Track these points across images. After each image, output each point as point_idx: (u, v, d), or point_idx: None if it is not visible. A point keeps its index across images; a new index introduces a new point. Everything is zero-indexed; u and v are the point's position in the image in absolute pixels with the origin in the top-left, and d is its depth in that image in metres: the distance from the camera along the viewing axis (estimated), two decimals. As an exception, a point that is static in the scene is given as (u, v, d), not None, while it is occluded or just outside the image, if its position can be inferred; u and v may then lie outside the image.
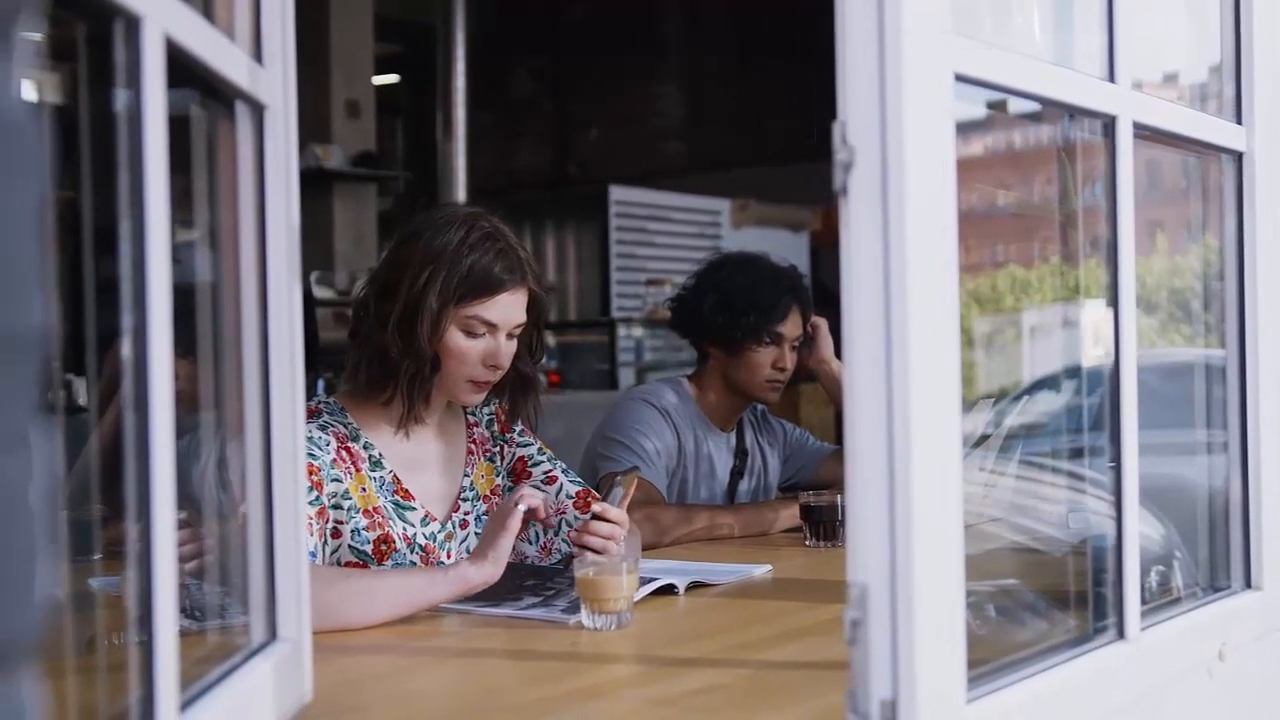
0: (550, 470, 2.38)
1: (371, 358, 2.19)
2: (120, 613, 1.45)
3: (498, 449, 2.40)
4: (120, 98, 1.00)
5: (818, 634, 1.86)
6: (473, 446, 2.36)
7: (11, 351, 0.56)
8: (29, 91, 0.59)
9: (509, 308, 2.20)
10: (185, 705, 1.09)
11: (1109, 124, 1.51)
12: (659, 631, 1.92)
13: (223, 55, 1.21)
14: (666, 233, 8.38)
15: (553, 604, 2.00)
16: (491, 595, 2.03)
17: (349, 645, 1.80)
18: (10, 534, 0.56)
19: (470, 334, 2.18)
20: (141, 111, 0.99)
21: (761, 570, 2.35)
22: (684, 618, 2.05)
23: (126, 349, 1.00)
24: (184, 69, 1.10)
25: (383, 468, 2.22)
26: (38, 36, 0.61)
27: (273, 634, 1.36)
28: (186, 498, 1.17)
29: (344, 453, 2.17)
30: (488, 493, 2.36)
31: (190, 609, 1.41)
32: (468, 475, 2.33)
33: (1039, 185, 2.04)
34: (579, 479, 2.40)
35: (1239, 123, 1.80)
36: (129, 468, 1.01)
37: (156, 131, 1.00)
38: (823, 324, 3.11)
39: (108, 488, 1.37)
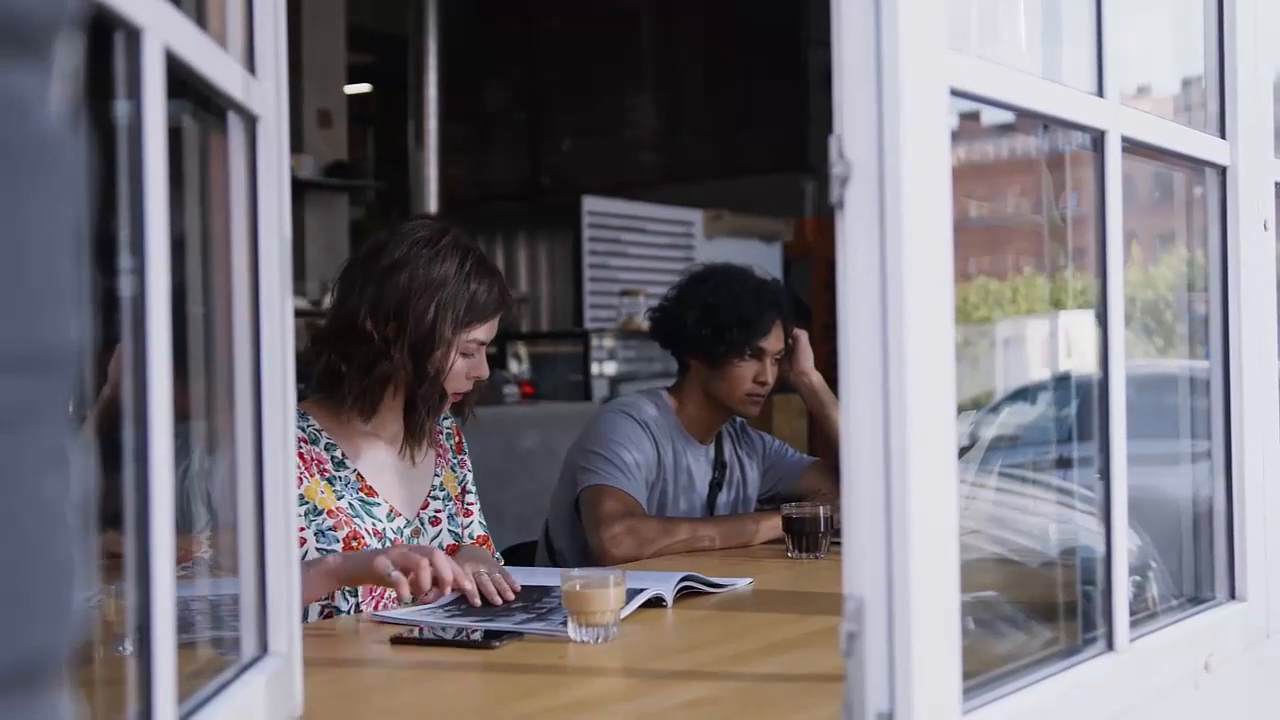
0: (473, 503, 2.51)
1: (378, 382, 2.25)
2: (104, 627, 1.44)
3: (458, 461, 2.50)
4: (119, 108, 1.00)
5: (805, 646, 1.86)
6: (441, 450, 2.46)
7: (50, 368, 0.56)
8: (66, 105, 0.59)
9: (495, 325, 2.34)
10: (180, 721, 1.08)
11: (1098, 138, 1.52)
12: (645, 644, 1.92)
13: (218, 66, 1.20)
14: (640, 243, 8.37)
15: (549, 619, 1.98)
16: (485, 612, 2.02)
17: (339, 660, 1.80)
18: (49, 550, 0.56)
19: (466, 355, 2.30)
20: (142, 123, 0.98)
21: (744, 583, 2.35)
22: (670, 630, 2.05)
23: (125, 360, 0.99)
24: (178, 79, 1.10)
25: (346, 468, 2.28)
26: (77, 53, 0.61)
27: (264, 648, 1.36)
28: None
29: (298, 458, 2.19)
30: (456, 494, 2.46)
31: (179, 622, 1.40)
32: (438, 475, 2.43)
33: (1011, 197, 2.05)
34: (485, 524, 2.51)
35: (1222, 137, 1.82)
36: (127, 483, 1.00)
37: (156, 142, 1.00)
38: (803, 335, 3.12)
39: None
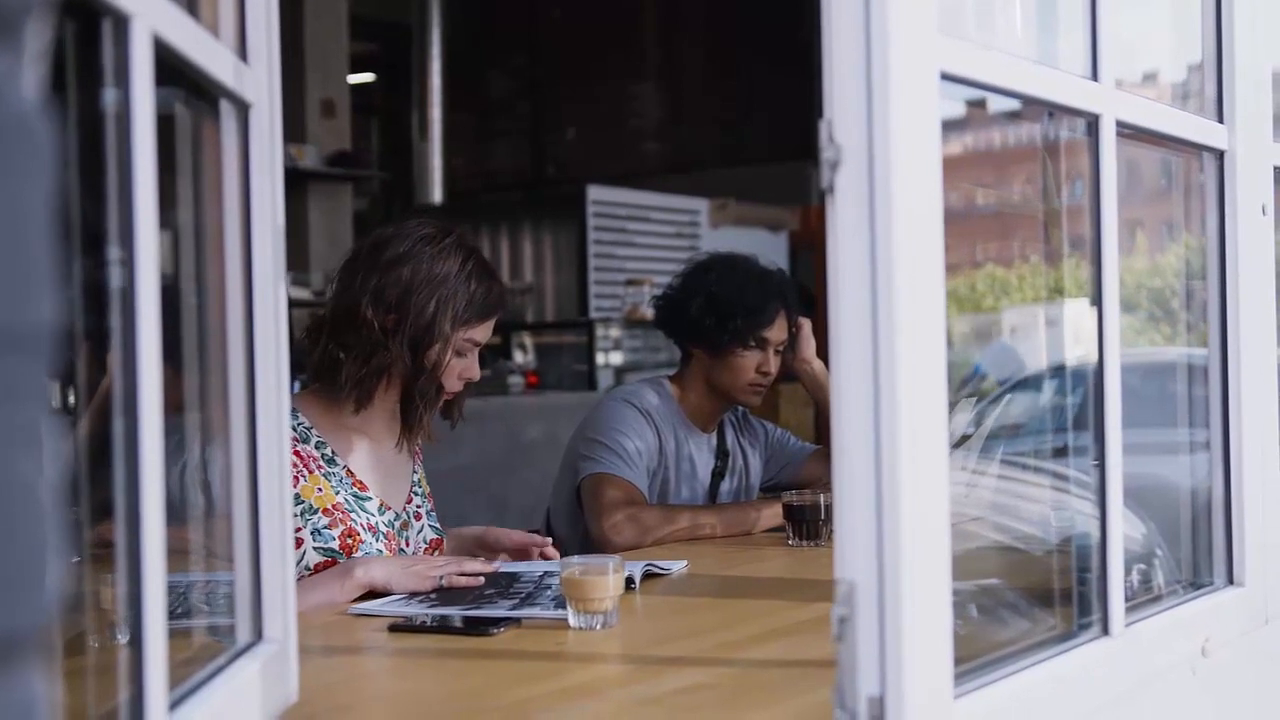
0: (429, 507, 2.50)
1: (374, 373, 2.27)
2: (101, 616, 1.44)
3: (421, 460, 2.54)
4: (108, 96, 1.00)
5: (802, 632, 1.86)
6: (418, 449, 2.50)
7: (22, 348, 0.56)
8: (38, 87, 0.59)
9: (491, 328, 2.37)
10: (173, 706, 1.08)
11: (1092, 122, 1.51)
12: (644, 631, 1.92)
13: (209, 53, 1.20)
14: (645, 233, 8.37)
15: (538, 601, 1.99)
16: (469, 601, 2.02)
17: (334, 646, 1.80)
18: (22, 529, 0.56)
19: (460, 354, 2.32)
20: (130, 110, 0.98)
21: (679, 566, 2.37)
22: (669, 617, 2.05)
23: (114, 351, 1.00)
24: (168, 66, 1.10)
25: (337, 464, 2.30)
26: (48, 32, 0.61)
27: (259, 635, 1.36)
28: (167, 498, 1.17)
29: (294, 456, 2.21)
30: (428, 493, 2.50)
31: (175, 610, 1.41)
32: (416, 473, 2.47)
33: (1018, 184, 2.04)
34: (438, 526, 2.50)
35: (1220, 121, 1.81)
36: (117, 471, 1.00)
37: (144, 130, 1.00)
38: (806, 324, 3.12)
39: (89, 488, 1.36)
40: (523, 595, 2.05)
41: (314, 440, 2.29)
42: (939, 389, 1.21)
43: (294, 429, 2.26)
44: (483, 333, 2.34)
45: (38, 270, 0.57)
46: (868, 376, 1.16)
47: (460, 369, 2.33)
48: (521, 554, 2.41)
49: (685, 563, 2.41)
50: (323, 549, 2.21)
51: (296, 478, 2.21)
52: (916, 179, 1.18)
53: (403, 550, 2.35)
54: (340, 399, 2.29)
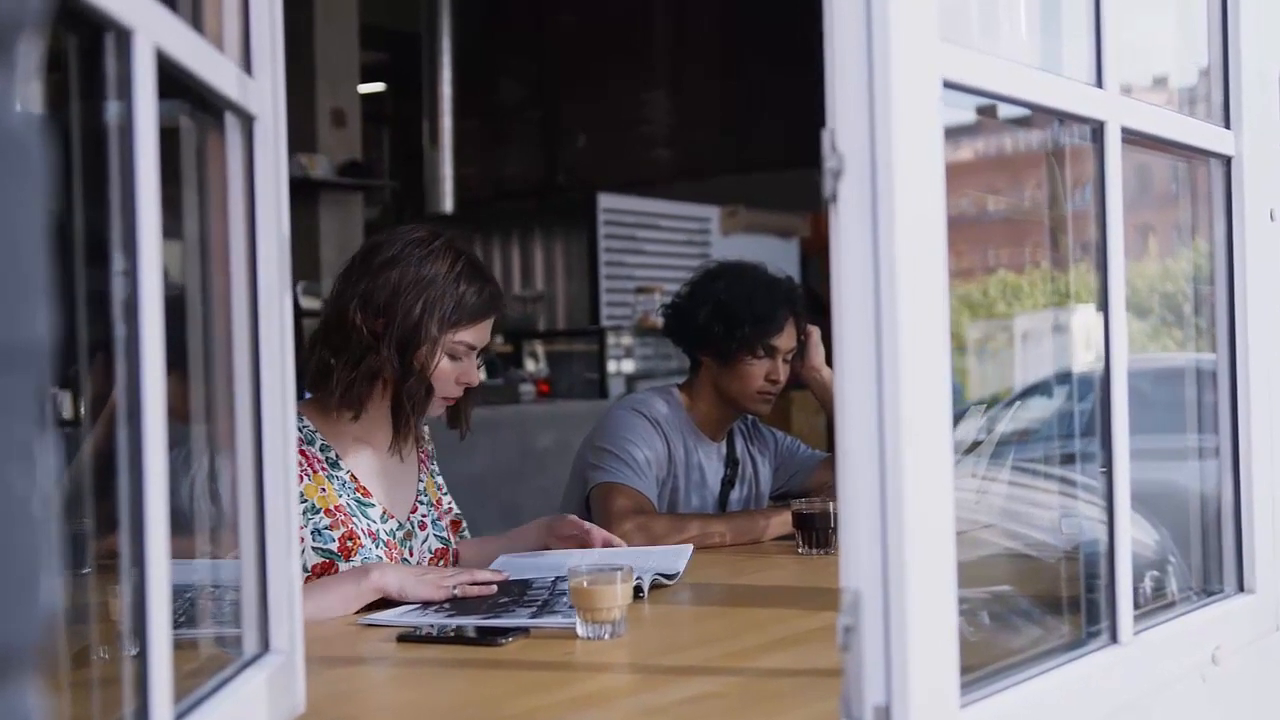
0: (435, 517, 2.49)
1: (364, 377, 2.27)
2: (110, 628, 1.45)
3: (435, 465, 2.54)
4: (111, 109, 1.00)
5: (811, 641, 1.86)
6: (424, 457, 2.50)
7: (16, 363, 0.56)
8: (32, 104, 0.59)
9: (487, 331, 2.36)
10: (179, 717, 1.08)
11: (1098, 129, 1.51)
12: (652, 640, 1.92)
13: (212, 66, 1.21)
14: (656, 240, 8.37)
15: (556, 609, 1.99)
16: (484, 610, 2.02)
17: (342, 657, 1.80)
18: (14, 543, 0.56)
19: (453, 357, 2.32)
20: (133, 123, 0.99)
21: (686, 552, 2.41)
22: (677, 626, 2.05)
23: (118, 362, 1.00)
24: (173, 79, 1.10)
25: (341, 468, 2.31)
26: (41, 49, 0.61)
27: (265, 646, 1.36)
28: (176, 511, 1.17)
29: (299, 456, 2.22)
30: (436, 500, 2.49)
31: (180, 619, 1.41)
32: (421, 481, 2.47)
33: (1029, 190, 2.04)
34: (446, 537, 2.50)
35: (1227, 127, 1.81)
36: (121, 481, 1.00)
37: (147, 143, 1.00)
38: (815, 332, 3.11)
39: (99, 500, 1.37)
40: (539, 603, 2.05)
41: (319, 443, 2.30)
42: (943, 396, 1.21)
43: (300, 431, 2.27)
44: (475, 335, 2.32)
45: (32, 287, 0.57)
46: (871, 384, 1.16)
47: (456, 374, 2.32)
48: (582, 543, 2.45)
49: (690, 547, 2.43)
50: (322, 549, 2.22)
51: (300, 476, 2.21)
52: (919, 186, 1.18)
53: (406, 560, 2.34)
54: (351, 414, 2.30)
